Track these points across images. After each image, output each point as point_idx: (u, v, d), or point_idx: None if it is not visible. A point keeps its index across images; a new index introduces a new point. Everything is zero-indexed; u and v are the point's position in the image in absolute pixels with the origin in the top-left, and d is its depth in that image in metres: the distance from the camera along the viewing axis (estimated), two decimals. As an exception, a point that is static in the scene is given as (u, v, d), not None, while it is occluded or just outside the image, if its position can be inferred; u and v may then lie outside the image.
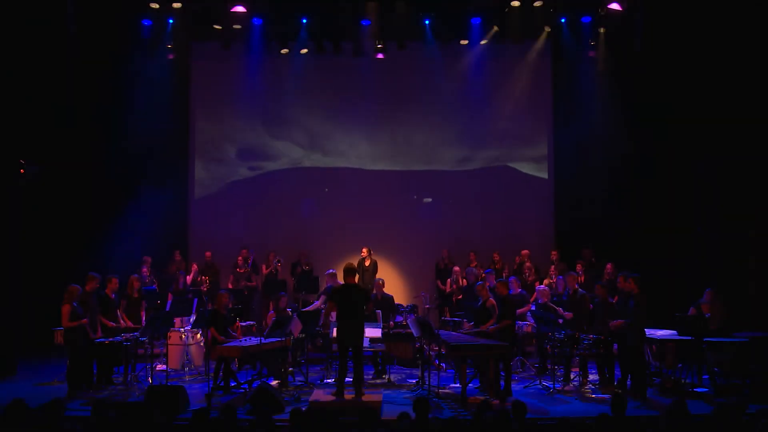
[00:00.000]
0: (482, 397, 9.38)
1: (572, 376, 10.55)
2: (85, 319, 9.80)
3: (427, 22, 14.46)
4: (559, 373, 10.34)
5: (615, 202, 14.16)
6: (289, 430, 6.21)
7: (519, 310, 10.80)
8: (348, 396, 9.07)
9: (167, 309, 11.86)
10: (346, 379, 9.33)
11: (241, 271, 13.77)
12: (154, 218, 13.61)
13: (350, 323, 9.21)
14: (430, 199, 15.42)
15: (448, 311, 13.28)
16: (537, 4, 13.82)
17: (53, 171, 13.16)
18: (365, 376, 10.45)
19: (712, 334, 10.08)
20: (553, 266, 13.36)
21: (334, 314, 10.54)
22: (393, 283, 13.59)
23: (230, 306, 11.29)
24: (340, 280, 12.23)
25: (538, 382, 10.29)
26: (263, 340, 9.70)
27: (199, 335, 11.42)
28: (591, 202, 14.27)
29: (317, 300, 12.34)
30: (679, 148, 13.52)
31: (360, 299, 9.34)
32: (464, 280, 13.23)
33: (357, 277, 9.53)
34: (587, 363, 10.41)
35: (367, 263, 13.86)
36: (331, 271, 12.12)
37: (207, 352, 10.38)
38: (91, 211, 13.83)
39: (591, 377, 10.39)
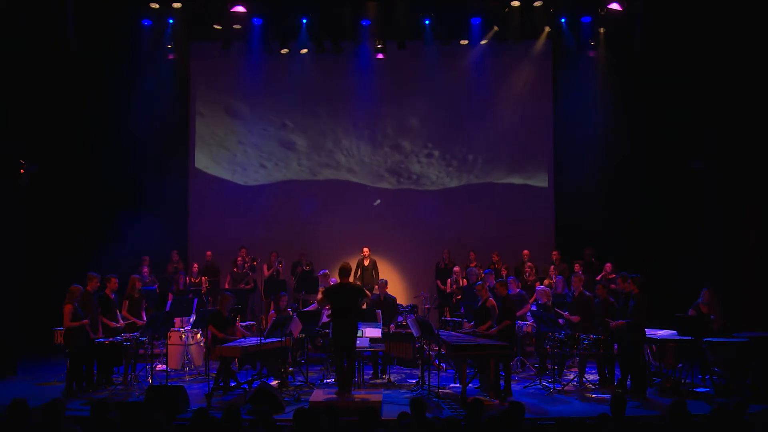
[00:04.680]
0: (482, 397, 9.39)
1: (572, 376, 10.56)
2: (86, 320, 9.80)
3: (427, 22, 14.47)
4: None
5: (615, 201, 14.17)
6: (292, 429, 6.20)
7: (519, 311, 10.79)
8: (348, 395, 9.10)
9: (167, 309, 11.86)
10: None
11: (238, 272, 13.77)
12: (153, 218, 13.61)
13: (342, 322, 9.24)
14: (378, 201, 15.39)
15: (448, 311, 13.28)
16: (537, 4, 13.84)
17: (53, 171, 13.18)
18: (365, 376, 10.51)
19: (713, 334, 10.09)
20: (552, 266, 13.37)
21: (326, 314, 10.89)
22: (393, 284, 13.59)
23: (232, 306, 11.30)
24: (334, 279, 12.47)
25: (538, 382, 10.30)
26: (263, 340, 9.70)
27: (199, 335, 11.42)
28: (591, 201, 14.27)
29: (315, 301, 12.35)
30: (679, 148, 13.52)
31: (353, 298, 9.35)
32: (464, 280, 13.23)
33: (352, 276, 9.53)
34: (586, 363, 10.42)
35: (366, 262, 13.93)
36: (324, 271, 12.14)
37: (207, 352, 10.39)
38: (91, 211, 13.85)
39: (591, 377, 10.39)
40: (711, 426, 6.22)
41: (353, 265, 13.57)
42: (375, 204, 15.40)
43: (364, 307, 10.55)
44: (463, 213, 15.23)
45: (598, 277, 12.65)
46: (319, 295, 11.27)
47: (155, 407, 7.97)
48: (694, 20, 12.86)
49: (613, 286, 11.15)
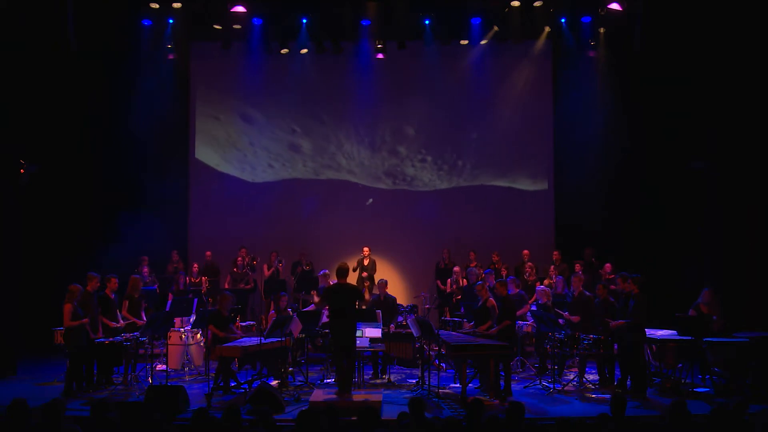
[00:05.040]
0: (482, 397, 9.39)
1: (572, 376, 10.56)
2: (85, 319, 9.79)
3: (427, 22, 14.47)
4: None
5: (615, 201, 14.17)
6: (293, 429, 6.20)
7: (519, 311, 10.80)
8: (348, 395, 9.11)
9: (167, 309, 11.87)
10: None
11: (238, 272, 13.77)
12: (153, 218, 13.62)
13: (341, 322, 9.25)
14: (371, 200, 15.40)
15: (448, 311, 13.28)
16: (537, 4, 13.83)
17: (53, 171, 13.18)
18: (365, 376, 10.51)
19: (713, 334, 10.09)
20: (553, 266, 13.37)
21: (326, 314, 10.95)
22: (393, 284, 13.58)
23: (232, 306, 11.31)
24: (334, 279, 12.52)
25: (538, 382, 10.30)
26: (263, 340, 9.70)
27: (199, 335, 11.42)
28: (591, 201, 14.27)
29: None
30: (679, 148, 13.53)
31: (351, 299, 9.36)
32: (464, 280, 13.23)
33: (350, 276, 9.58)
34: (586, 363, 10.42)
35: (366, 262, 13.94)
36: (324, 271, 12.19)
37: (207, 352, 10.39)
38: (91, 211, 13.86)
39: (591, 377, 10.39)
40: (711, 426, 6.23)
41: (353, 265, 13.62)
42: (368, 203, 15.40)
43: (365, 308, 10.58)
44: (463, 213, 15.22)
45: (602, 271, 12.68)
46: (316, 298, 11.38)
47: (155, 407, 7.98)
48: (694, 20, 12.86)
49: (612, 287, 11.15)
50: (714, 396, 9.47)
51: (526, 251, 13.89)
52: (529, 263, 13.61)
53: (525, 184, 15.32)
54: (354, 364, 9.54)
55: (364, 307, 10.57)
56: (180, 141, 15.21)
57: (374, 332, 10.42)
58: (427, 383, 9.85)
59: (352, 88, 15.16)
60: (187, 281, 13.30)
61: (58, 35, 13.10)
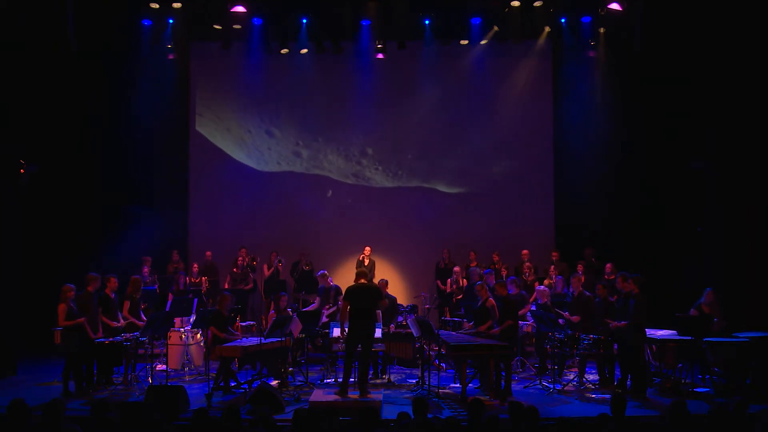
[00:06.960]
0: (482, 397, 9.38)
1: (572, 376, 10.56)
2: (80, 319, 9.78)
3: (427, 22, 14.46)
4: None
5: (615, 201, 14.17)
6: (291, 429, 6.20)
7: (520, 311, 10.79)
8: (351, 395, 9.10)
9: (167, 309, 11.87)
10: (350, 379, 9.36)
11: (238, 272, 13.77)
12: (153, 218, 13.61)
13: (362, 323, 9.29)
14: (330, 192, 15.42)
15: (448, 311, 13.28)
16: (537, 4, 13.83)
17: (53, 171, 13.18)
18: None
19: (713, 334, 10.09)
20: (552, 266, 13.36)
21: (326, 314, 11.16)
22: (393, 284, 13.57)
23: (231, 306, 11.31)
24: (333, 280, 12.51)
25: (538, 382, 10.30)
26: (263, 340, 9.70)
27: (199, 335, 11.42)
28: (591, 201, 14.27)
29: (315, 301, 12.34)
30: (679, 148, 13.52)
31: (373, 299, 9.45)
32: (464, 280, 13.23)
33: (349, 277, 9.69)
34: (586, 363, 10.42)
35: (366, 262, 13.94)
36: (323, 271, 12.18)
37: (207, 352, 10.39)
38: (91, 211, 13.86)
39: (591, 377, 10.39)
40: (711, 426, 6.23)
41: (353, 265, 13.62)
42: (328, 195, 15.37)
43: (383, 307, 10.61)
44: (463, 213, 15.21)
45: (602, 280, 12.66)
46: (317, 304, 11.43)
47: (155, 407, 7.98)
48: (694, 20, 12.86)
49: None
50: (714, 396, 9.48)
51: (525, 251, 13.89)
52: (528, 263, 13.61)
53: (525, 184, 15.30)
54: (368, 363, 9.52)
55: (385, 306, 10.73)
56: (180, 141, 15.20)
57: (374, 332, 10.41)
58: (427, 383, 9.85)
59: (352, 89, 15.16)
60: (187, 281, 13.31)
61: (58, 35, 13.10)
